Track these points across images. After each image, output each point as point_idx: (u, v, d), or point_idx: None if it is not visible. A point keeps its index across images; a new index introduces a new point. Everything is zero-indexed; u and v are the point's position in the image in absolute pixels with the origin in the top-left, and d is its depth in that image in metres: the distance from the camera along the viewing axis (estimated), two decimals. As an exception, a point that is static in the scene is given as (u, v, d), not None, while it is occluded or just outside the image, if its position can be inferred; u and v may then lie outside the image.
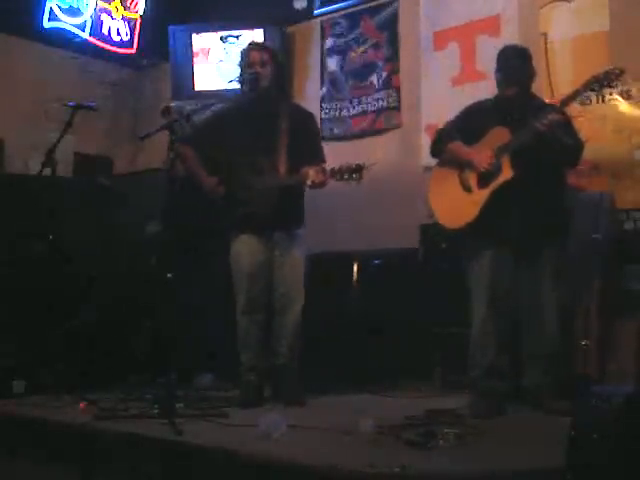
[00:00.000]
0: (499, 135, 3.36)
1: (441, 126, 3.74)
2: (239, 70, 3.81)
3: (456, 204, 3.47)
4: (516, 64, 3.42)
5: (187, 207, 3.96)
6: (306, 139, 3.75)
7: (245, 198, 3.66)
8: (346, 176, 3.43)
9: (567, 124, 3.35)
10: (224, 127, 3.81)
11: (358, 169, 3.41)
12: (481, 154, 3.38)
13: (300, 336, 3.74)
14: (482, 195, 3.37)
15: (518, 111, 3.38)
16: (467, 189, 3.46)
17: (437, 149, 3.64)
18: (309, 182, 3.50)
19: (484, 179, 3.39)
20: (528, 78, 3.46)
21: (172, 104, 4.54)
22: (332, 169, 3.47)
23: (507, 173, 3.31)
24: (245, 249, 3.74)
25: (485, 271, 3.38)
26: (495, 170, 3.34)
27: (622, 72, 3.18)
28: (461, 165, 3.48)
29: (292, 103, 4.11)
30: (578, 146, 3.38)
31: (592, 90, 3.25)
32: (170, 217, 4.27)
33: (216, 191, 3.74)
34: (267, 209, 3.61)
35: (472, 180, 3.44)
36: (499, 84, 3.50)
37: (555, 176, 3.43)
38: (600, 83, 3.19)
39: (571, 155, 3.39)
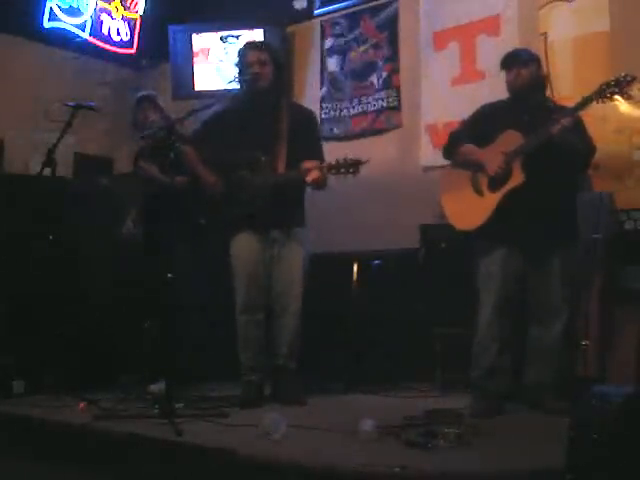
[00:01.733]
0: (511, 139, 3.35)
1: (445, 127, 3.74)
2: (237, 70, 3.81)
3: (467, 206, 3.47)
4: (525, 66, 3.41)
5: (163, 208, 3.99)
6: (306, 138, 3.74)
7: (243, 197, 3.66)
8: (343, 170, 3.43)
9: (579, 128, 3.34)
10: (224, 127, 3.82)
11: (355, 163, 3.41)
12: (492, 158, 3.37)
13: (299, 336, 3.74)
14: (493, 199, 3.37)
15: (530, 114, 3.37)
16: (479, 192, 3.46)
17: (449, 152, 3.65)
18: (309, 179, 3.50)
19: (495, 182, 3.38)
20: (538, 80, 3.45)
21: (145, 92, 4.53)
22: (329, 164, 3.47)
23: (518, 178, 3.29)
24: (243, 248, 3.74)
25: (494, 273, 3.38)
26: (506, 174, 3.34)
27: (634, 79, 3.15)
28: (473, 168, 3.48)
29: (292, 102, 4.10)
30: (589, 150, 3.37)
31: (603, 97, 3.18)
32: (145, 217, 4.30)
33: (215, 189, 3.74)
34: (264, 207, 3.61)
35: (483, 183, 3.44)
36: (509, 86, 3.49)
37: (566, 179, 3.42)
38: (611, 90, 3.16)
39: (582, 159, 3.38)
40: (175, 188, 3.90)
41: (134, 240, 4.38)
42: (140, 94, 4.54)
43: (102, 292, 4.49)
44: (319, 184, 3.58)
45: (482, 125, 3.52)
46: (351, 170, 3.42)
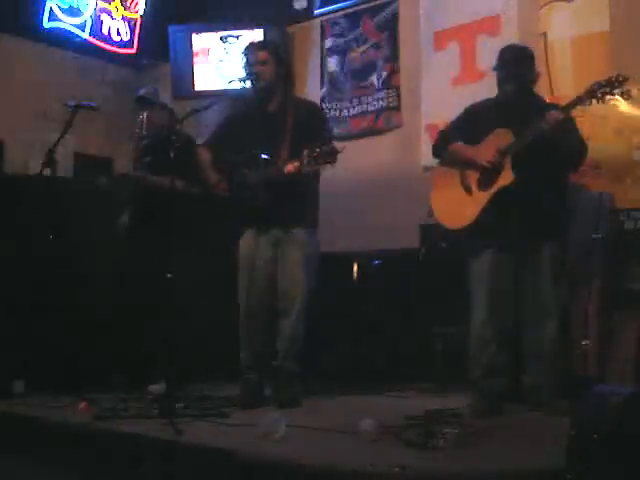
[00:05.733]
0: (502, 136, 3.34)
1: (442, 127, 3.75)
2: (244, 71, 3.81)
3: (456, 205, 3.47)
4: (515, 62, 3.41)
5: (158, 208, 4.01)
6: (311, 133, 3.66)
7: (244, 195, 3.66)
8: (320, 161, 3.39)
9: (570, 127, 3.34)
10: (235, 128, 3.84)
11: (331, 153, 3.37)
12: (483, 155, 3.37)
13: (300, 338, 3.71)
14: (482, 197, 3.37)
15: (520, 112, 3.37)
16: (467, 190, 3.46)
17: (439, 151, 3.64)
18: (285, 171, 3.49)
19: (485, 181, 3.38)
20: (528, 77, 3.45)
21: (143, 91, 4.54)
22: (307, 154, 3.43)
23: (508, 177, 3.29)
24: (246, 247, 3.75)
25: (485, 272, 3.39)
26: (496, 171, 3.34)
27: (626, 79, 3.14)
28: (462, 166, 3.48)
29: (297, 98, 4.06)
30: (581, 149, 3.37)
31: (594, 97, 3.16)
32: (140, 213, 4.31)
33: (217, 187, 3.74)
34: (258, 203, 3.60)
35: (473, 181, 3.44)
36: (499, 83, 3.49)
37: (556, 177, 3.42)
38: (603, 90, 3.16)
39: (574, 157, 3.38)
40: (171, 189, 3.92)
41: (127, 236, 4.36)
42: (138, 93, 4.54)
43: (102, 292, 4.48)
44: (295, 174, 3.52)
45: (471, 124, 3.52)
46: (328, 159, 3.38)
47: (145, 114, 4.37)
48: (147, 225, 4.23)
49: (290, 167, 3.48)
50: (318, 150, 3.37)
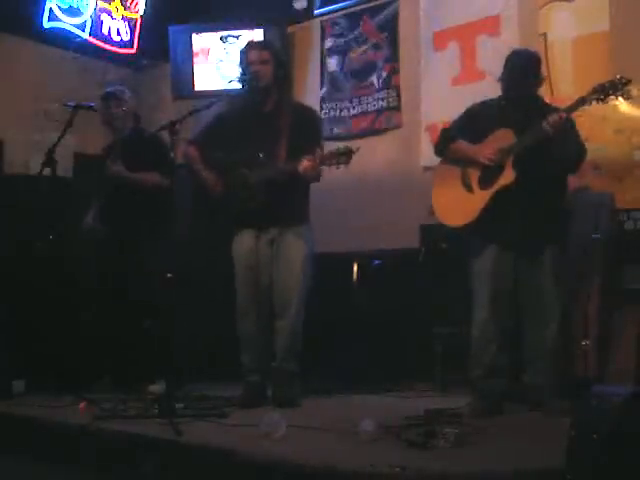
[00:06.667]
0: (503, 136, 3.35)
1: (444, 126, 3.75)
2: (239, 70, 3.81)
3: (457, 203, 3.48)
4: (521, 71, 3.38)
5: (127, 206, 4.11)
6: (307, 136, 3.69)
7: (241, 194, 3.65)
8: (334, 160, 3.40)
9: (572, 129, 3.34)
10: (227, 127, 3.82)
11: (345, 153, 3.38)
12: (485, 151, 3.37)
13: (299, 337, 3.70)
14: (483, 196, 3.37)
15: (521, 113, 3.37)
16: (468, 188, 3.46)
17: (441, 149, 3.64)
18: (300, 169, 3.47)
19: (485, 179, 3.38)
20: (534, 81, 3.43)
21: (110, 89, 4.53)
22: (321, 154, 3.44)
23: (509, 176, 3.29)
24: (242, 247, 3.74)
25: (488, 272, 3.38)
26: (497, 170, 3.34)
27: (629, 81, 3.14)
28: (464, 164, 3.48)
29: (294, 101, 4.08)
30: (580, 152, 3.37)
31: (597, 99, 3.17)
32: (106, 214, 4.30)
33: (215, 188, 3.74)
34: (259, 203, 3.60)
35: (474, 180, 3.44)
36: (503, 89, 3.47)
37: (557, 177, 3.42)
38: (605, 92, 3.15)
39: (572, 159, 3.38)
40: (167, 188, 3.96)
41: (94, 236, 4.35)
42: (105, 91, 4.54)
43: (102, 292, 4.48)
44: (310, 173, 3.51)
45: (473, 123, 3.52)
46: (342, 159, 3.39)
47: (113, 108, 4.38)
48: (115, 225, 4.23)
49: (306, 163, 3.45)
50: (335, 150, 3.38)
